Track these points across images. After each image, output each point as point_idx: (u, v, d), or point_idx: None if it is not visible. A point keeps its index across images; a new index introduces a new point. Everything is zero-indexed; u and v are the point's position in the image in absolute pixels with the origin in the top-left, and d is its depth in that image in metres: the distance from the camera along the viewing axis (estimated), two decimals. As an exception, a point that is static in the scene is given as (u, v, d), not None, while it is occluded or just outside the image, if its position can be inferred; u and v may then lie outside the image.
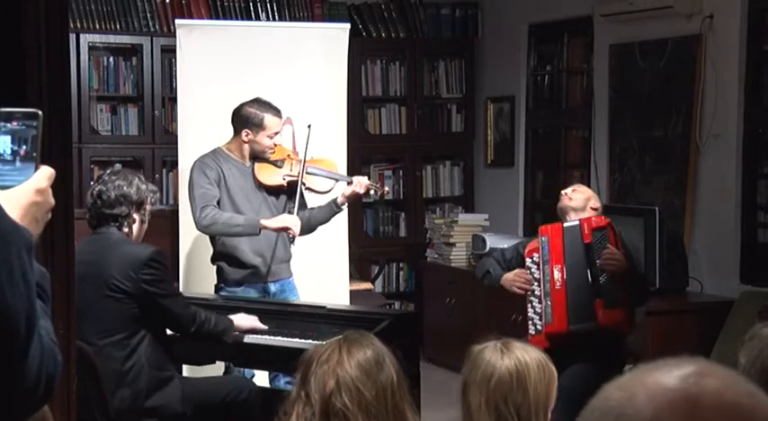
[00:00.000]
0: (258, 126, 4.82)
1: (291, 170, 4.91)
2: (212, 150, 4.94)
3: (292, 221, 4.70)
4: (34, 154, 1.49)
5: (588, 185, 6.68)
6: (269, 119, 4.82)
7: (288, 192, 4.92)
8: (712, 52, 5.70)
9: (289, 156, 4.97)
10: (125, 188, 4.02)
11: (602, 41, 6.55)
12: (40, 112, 1.50)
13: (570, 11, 6.86)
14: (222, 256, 4.90)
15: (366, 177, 5.05)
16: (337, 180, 5.03)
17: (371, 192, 5.06)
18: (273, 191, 4.93)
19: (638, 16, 6.09)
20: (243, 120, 4.84)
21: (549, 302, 4.52)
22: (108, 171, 4.30)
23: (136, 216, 4.04)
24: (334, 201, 4.91)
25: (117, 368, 3.87)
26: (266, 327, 4.34)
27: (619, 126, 6.43)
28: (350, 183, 4.91)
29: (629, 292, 4.54)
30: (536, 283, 4.58)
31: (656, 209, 5.52)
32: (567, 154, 7.28)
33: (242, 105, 4.87)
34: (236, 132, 4.90)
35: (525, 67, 7.42)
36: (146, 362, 3.93)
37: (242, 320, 4.27)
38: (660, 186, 6.09)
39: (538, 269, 4.58)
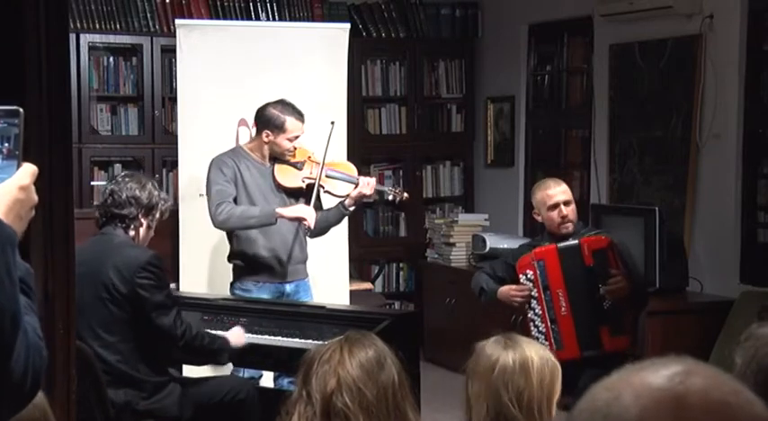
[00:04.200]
0: (279, 128, 4.81)
1: (311, 173, 4.90)
2: (232, 148, 4.96)
3: (308, 212, 4.70)
4: (17, 152, 1.48)
5: (588, 185, 6.72)
6: (290, 122, 4.81)
7: (306, 195, 4.90)
8: (712, 52, 5.70)
9: (309, 158, 4.95)
10: (137, 191, 4.01)
11: (602, 41, 6.55)
12: (21, 110, 1.50)
13: (570, 11, 6.86)
14: (239, 255, 4.90)
15: (374, 178, 5.05)
16: (356, 184, 5.02)
17: (390, 196, 5.05)
18: (292, 192, 4.92)
19: (638, 16, 6.08)
20: (265, 120, 4.84)
21: (556, 328, 4.45)
22: (123, 172, 4.30)
23: (143, 220, 4.03)
24: (342, 203, 4.91)
25: (112, 371, 3.85)
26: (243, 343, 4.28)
27: (619, 126, 6.43)
28: (356, 184, 4.91)
29: (634, 316, 4.52)
30: (534, 301, 4.52)
31: (656, 209, 5.51)
32: (567, 154, 7.28)
33: (266, 105, 4.86)
34: (258, 132, 4.90)
35: (525, 67, 7.42)
36: (141, 367, 3.92)
37: (237, 338, 4.23)
38: (660, 186, 6.09)
39: (534, 286, 4.50)
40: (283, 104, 4.84)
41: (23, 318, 1.36)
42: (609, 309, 4.41)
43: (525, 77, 7.43)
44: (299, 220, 4.74)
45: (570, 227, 4.59)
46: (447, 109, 7.83)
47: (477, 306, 6.46)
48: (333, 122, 4.96)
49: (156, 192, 4.07)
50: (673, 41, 5.96)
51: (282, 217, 4.71)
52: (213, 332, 4.20)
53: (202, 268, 5.46)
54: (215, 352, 4.08)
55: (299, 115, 4.84)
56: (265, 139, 4.84)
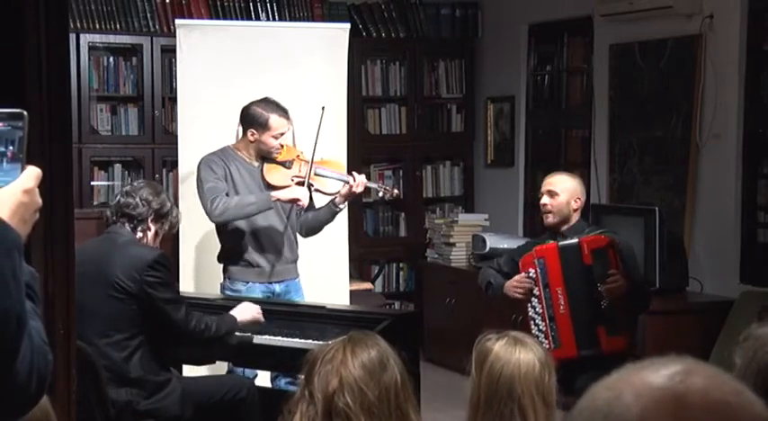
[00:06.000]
0: (263, 126, 4.81)
1: (300, 171, 4.90)
2: (221, 148, 4.95)
3: (302, 193, 4.73)
4: (21, 155, 1.48)
5: (588, 185, 6.71)
6: (274, 119, 4.81)
7: None
8: (712, 52, 5.70)
9: (298, 156, 4.95)
10: (151, 196, 4.09)
11: (602, 41, 6.55)
12: (25, 113, 1.49)
13: (570, 11, 6.86)
14: (228, 255, 4.90)
15: (364, 176, 5.03)
16: (346, 181, 5.01)
17: (380, 194, 5.06)
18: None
19: (638, 16, 6.09)
20: (249, 119, 4.84)
21: (554, 326, 4.46)
22: (140, 180, 4.38)
23: (152, 225, 4.09)
24: (333, 201, 4.91)
25: (116, 369, 3.87)
26: (263, 320, 4.35)
27: (619, 126, 6.43)
28: (347, 182, 4.90)
29: (632, 315, 4.52)
30: (535, 299, 4.54)
31: (656, 209, 5.51)
32: (567, 154, 7.28)
33: (250, 104, 4.86)
34: (244, 131, 4.90)
35: (525, 67, 7.42)
36: (144, 365, 3.93)
37: (244, 313, 4.26)
38: (660, 186, 6.09)
39: (536, 285, 4.51)
40: (266, 102, 4.84)
41: (29, 322, 1.36)
42: (606, 309, 4.41)
43: (525, 77, 7.43)
44: (295, 201, 4.75)
45: (549, 217, 4.62)
46: (447, 109, 7.83)
47: (477, 306, 6.46)
48: (323, 107, 4.95)
49: (168, 203, 4.16)
50: (673, 41, 5.96)
51: (279, 200, 4.75)
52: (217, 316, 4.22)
53: (202, 268, 5.46)
54: (223, 337, 4.12)
55: (283, 112, 4.84)
56: (251, 138, 4.85)
